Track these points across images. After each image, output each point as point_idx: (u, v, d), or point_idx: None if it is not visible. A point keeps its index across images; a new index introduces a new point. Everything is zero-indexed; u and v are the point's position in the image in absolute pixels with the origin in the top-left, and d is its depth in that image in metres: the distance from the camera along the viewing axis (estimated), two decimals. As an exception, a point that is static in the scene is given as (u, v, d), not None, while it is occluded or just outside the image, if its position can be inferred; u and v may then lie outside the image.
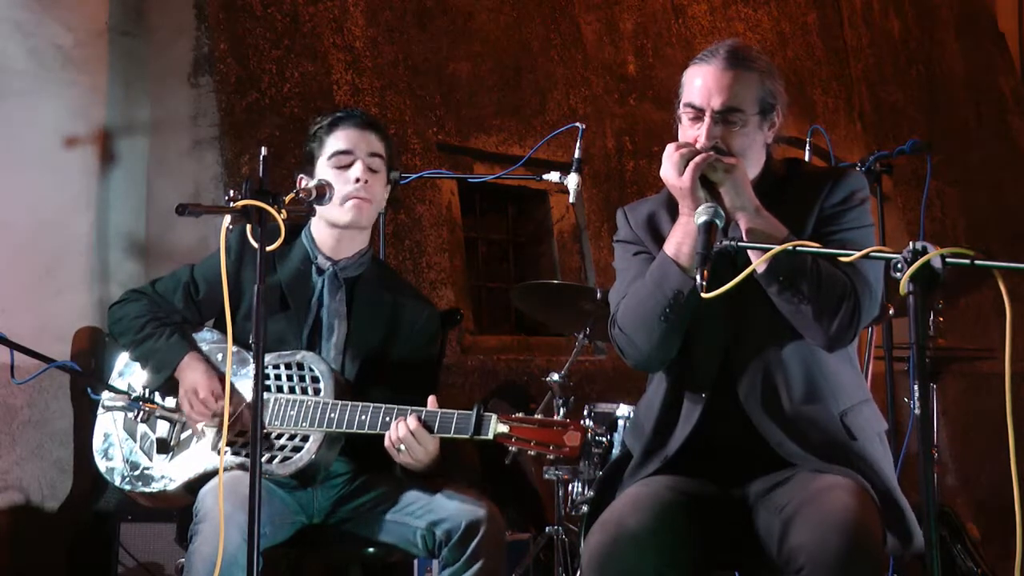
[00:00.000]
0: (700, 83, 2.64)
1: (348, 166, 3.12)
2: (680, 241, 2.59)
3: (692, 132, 2.64)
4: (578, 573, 3.96)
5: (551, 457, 2.88)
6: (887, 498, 2.58)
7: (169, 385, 3.10)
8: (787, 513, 2.49)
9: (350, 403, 2.93)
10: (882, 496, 2.57)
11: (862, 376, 2.80)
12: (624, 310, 2.69)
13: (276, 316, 3.12)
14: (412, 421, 2.85)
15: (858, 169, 3.98)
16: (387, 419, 2.89)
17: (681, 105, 2.68)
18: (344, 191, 3.09)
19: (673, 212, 2.70)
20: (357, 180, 3.10)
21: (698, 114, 2.64)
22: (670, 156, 2.58)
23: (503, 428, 2.79)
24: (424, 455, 2.88)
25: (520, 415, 2.82)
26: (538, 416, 2.82)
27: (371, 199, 3.13)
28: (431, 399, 2.90)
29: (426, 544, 2.95)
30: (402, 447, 2.86)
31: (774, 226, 2.55)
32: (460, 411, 2.86)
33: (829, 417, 2.63)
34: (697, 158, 2.55)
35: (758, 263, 2.45)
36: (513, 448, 2.81)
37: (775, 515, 2.53)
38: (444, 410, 2.87)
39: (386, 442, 2.89)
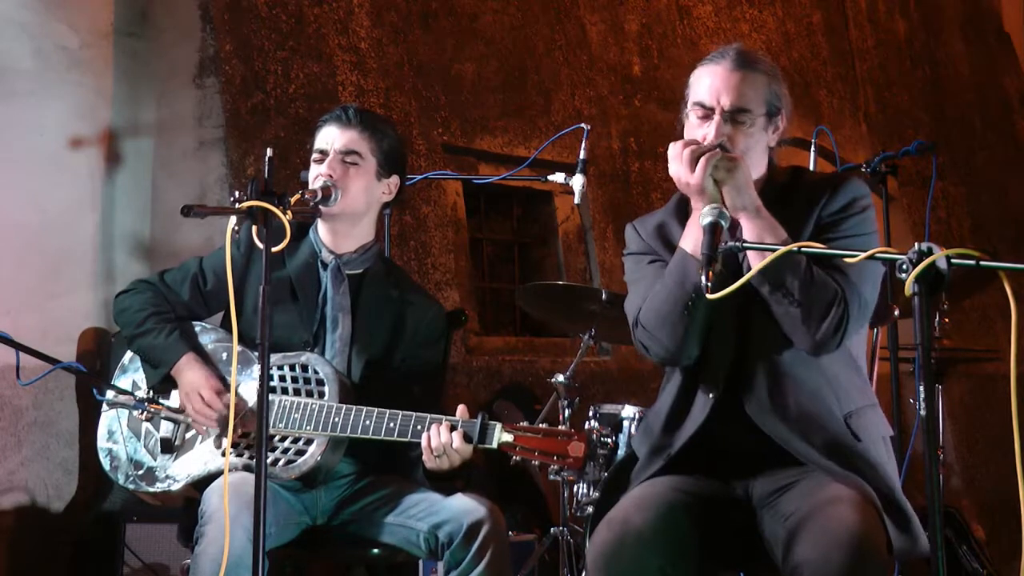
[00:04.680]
0: (709, 83, 2.67)
1: (321, 163, 3.15)
2: (697, 236, 2.58)
3: (700, 131, 2.66)
4: (583, 574, 3.97)
5: (554, 467, 2.88)
6: (891, 502, 2.57)
7: (167, 383, 3.10)
8: (792, 523, 2.49)
9: (354, 407, 2.92)
10: (886, 499, 2.56)
11: (868, 382, 2.81)
12: (646, 310, 2.70)
13: (287, 307, 3.12)
14: (456, 437, 2.83)
15: (863, 170, 3.97)
16: (391, 424, 2.88)
17: (689, 104, 2.70)
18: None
19: (682, 221, 2.73)
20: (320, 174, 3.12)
21: (707, 113, 2.66)
22: (679, 154, 2.59)
23: (507, 437, 2.79)
24: (459, 461, 2.87)
25: (524, 424, 2.81)
26: (543, 425, 2.81)
27: (336, 183, 3.10)
28: (461, 408, 2.88)
29: (429, 546, 2.95)
30: (442, 455, 2.84)
31: (773, 227, 2.57)
32: (465, 419, 2.86)
33: (833, 418, 2.64)
34: (708, 154, 2.56)
35: (761, 265, 2.46)
36: (517, 458, 2.80)
37: (780, 523, 2.53)
38: (449, 417, 2.86)
39: (425, 453, 2.86)
